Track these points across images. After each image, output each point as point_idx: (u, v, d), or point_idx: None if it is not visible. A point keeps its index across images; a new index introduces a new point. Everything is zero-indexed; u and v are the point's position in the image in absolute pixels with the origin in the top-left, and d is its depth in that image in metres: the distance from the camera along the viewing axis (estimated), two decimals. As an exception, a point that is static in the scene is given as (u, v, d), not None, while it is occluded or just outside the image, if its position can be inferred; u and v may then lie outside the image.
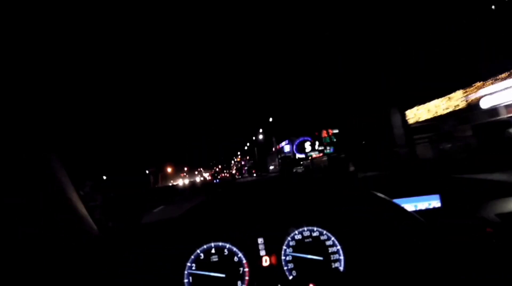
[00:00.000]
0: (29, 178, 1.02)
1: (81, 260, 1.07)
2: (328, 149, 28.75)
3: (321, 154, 28.00)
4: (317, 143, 29.76)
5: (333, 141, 28.61)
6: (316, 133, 30.01)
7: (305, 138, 32.20)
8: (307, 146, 30.98)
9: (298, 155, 33.77)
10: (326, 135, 29.02)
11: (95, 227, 1.20)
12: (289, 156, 37.67)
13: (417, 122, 17.24)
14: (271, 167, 47.64)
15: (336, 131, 28.54)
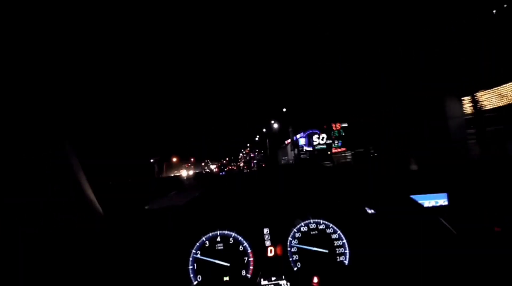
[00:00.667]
0: (42, 163, 1.05)
1: (88, 241, 1.09)
2: (337, 143, 28.24)
3: (343, 148, 27.04)
4: (325, 136, 29.18)
5: (342, 135, 28.10)
6: (325, 127, 29.36)
7: (313, 131, 31.30)
8: (315, 139, 30.33)
9: (305, 148, 32.92)
10: (334, 129, 28.39)
11: (100, 210, 1.22)
12: (311, 150, 35.34)
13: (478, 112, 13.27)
14: (283, 161, 44.43)
15: (345, 125, 27.95)
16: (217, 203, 1.30)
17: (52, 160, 1.08)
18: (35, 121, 1.06)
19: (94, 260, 1.07)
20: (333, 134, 28.11)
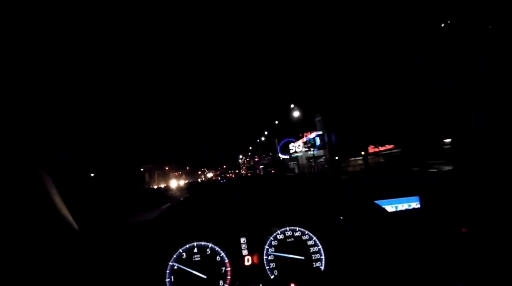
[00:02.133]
0: (13, 180, 1.01)
1: (62, 256, 1.06)
2: (313, 150, 28.69)
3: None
4: (301, 144, 29.59)
5: (315, 143, 28.86)
6: (300, 134, 29.81)
7: (289, 139, 31.50)
8: (291, 147, 30.60)
9: (281, 156, 32.80)
10: (310, 137, 28.90)
11: (75, 224, 1.18)
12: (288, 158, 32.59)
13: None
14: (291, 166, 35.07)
15: (320, 132, 28.53)
16: (193, 214, 1.29)
17: (21, 176, 1.04)
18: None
19: (70, 275, 1.05)
20: (309, 142, 28.61)
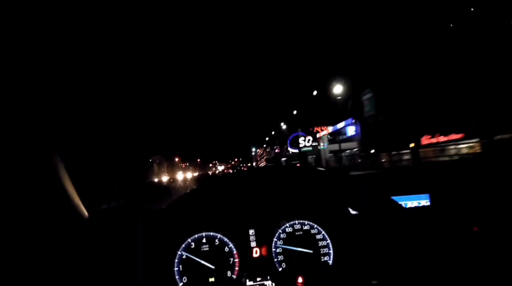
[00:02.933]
0: (25, 168, 1.03)
1: (72, 243, 1.07)
2: (322, 145, 28.27)
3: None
4: (311, 138, 29.03)
5: (328, 137, 28.32)
6: (310, 129, 29.28)
7: (299, 133, 30.70)
8: (301, 141, 30.07)
9: (290, 150, 32.16)
10: (320, 131, 28.43)
11: (85, 212, 1.20)
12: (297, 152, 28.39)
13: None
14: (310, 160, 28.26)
15: (330, 127, 27.94)
16: (203, 205, 1.30)
17: (34, 164, 1.06)
18: (16, 123, 1.04)
19: (79, 263, 1.06)
20: (320, 137, 28.20)
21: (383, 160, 18.51)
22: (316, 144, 28.02)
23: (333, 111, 26.28)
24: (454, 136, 15.02)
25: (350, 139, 25.21)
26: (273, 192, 1.35)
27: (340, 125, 25.12)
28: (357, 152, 23.66)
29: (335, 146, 26.93)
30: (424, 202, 1.73)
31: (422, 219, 1.26)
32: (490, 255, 1.10)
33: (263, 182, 1.41)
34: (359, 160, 21.70)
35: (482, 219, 1.43)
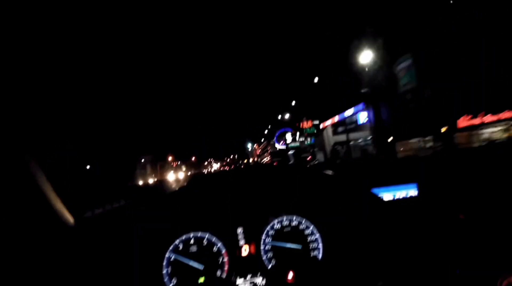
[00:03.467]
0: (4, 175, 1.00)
1: (58, 251, 1.05)
2: (310, 140, 28.24)
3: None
4: (298, 133, 28.86)
5: (314, 132, 28.14)
6: (297, 124, 29.11)
7: (286, 129, 30.32)
8: (288, 136, 29.86)
9: (278, 146, 31.80)
10: (306, 126, 28.19)
11: (71, 218, 1.17)
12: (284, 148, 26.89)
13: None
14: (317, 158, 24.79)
15: (316, 122, 27.79)
16: (190, 204, 1.28)
17: (11, 170, 1.02)
18: None
19: (66, 269, 1.03)
20: (305, 131, 27.96)
21: (403, 149, 15.43)
22: (303, 139, 27.67)
23: (341, 97, 22.07)
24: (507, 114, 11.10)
25: (359, 128, 22.41)
26: (259, 189, 1.34)
27: (349, 112, 21.67)
28: (368, 142, 20.72)
29: (340, 137, 24.41)
30: (412, 192, 1.75)
31: (410, 209, 1.27)
32: (476, 241, 1.11)
33: (250, 180, 1.39)
34: (373, 150, 17.77)
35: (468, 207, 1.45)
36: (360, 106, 19.94)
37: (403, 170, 1.86)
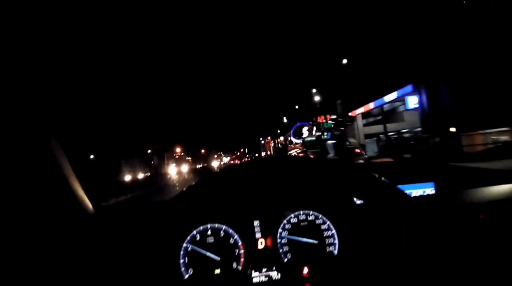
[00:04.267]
0: (27, 160, 1.02)
1: (77, 239, 1.08)
2: (326, 135, 27.80)
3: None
4: (314, 128, 28.45)
5: (331, 127, 27.66)
6: (314, 119, 28.71)
7: (303, 123, 29.75)
8: (305, 131, 29.44)
9: (294, 140, 31.33)
10: (324, 121, 27.71)
11: (91, 207, 1.21)
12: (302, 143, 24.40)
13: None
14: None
15: (334, 116, 27.23)
16: (208, 196, 1.30)
17: (38, 156, 1.05)
18: (16, 117, 1.03)
19: (85, 256, 1.06)
20: (323, 126, 27.53)
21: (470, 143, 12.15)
22: (320, 134, 26.95)
23: (380, 79, 17.93)
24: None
25: (396, 117, 18.86)
26: (277, 183, 1.35)
27: (391, 96, 17.41)
28: (418, 135, 16.96)
29: (372, 129, 21.40)
30: (429, 190, 1.72)
31: (427, 207, 1.26)
32: (496, 242, 1.09)
33: (267, 173, 1.40)
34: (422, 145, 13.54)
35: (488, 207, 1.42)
36: (408, 87, 15.74)
37: (418, 169, 1.83)
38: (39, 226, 1.01)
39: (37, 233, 1.00)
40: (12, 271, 0.93)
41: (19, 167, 1.01)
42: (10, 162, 0.99)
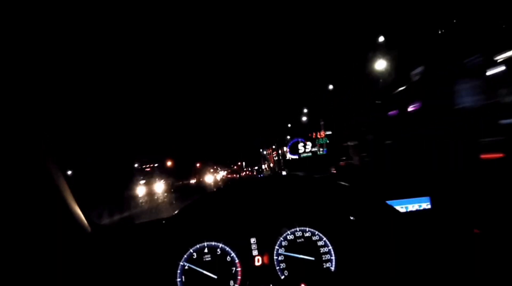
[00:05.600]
0: (24, 178, 1.02)
1: (74, 258, 1.07)
2: (322, 151, 27.97)
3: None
4: (309, 144, 28.65)
5: (327, 142, 27.85)
6: (310, 135, 28.95)
7: (298, 139, 30.05)
8: (300, 147, 29.63)
9: (291, 156, 31.52)
10: (319, 136, 27.94)
11: (88, 226, 1.20)
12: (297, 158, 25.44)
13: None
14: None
15: (329, 132, 27.53)
16: (204, 214, 1.30)
17: (35, 175, 1.05)
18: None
19: (83, 276, 1.06)
20: (318, 142, 27.75)
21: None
22: (316, 149, 27.13)
23: None
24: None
25: None
26: (273, 200, 1.36)
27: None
28: None
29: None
30: (425, 205, 1.73)
31: (423, 222, 1.27)
32: (492, 257, 1.10)
33: (262, 190, 1.41)
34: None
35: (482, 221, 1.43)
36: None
37: (414, 183, 1.84)
38: (36, 245, 1.00)
39: (34, 252, 0.99)
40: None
41: (17, 185, 1.00)
42: (7, 180, 0.99)
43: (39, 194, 1.05)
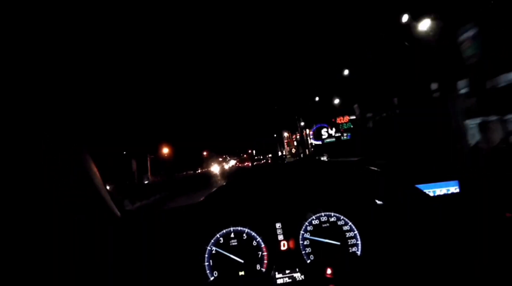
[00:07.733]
0: (58, 166, 1.07)
1: (105, 241, 1.13)
2: (346, 136, 27.27)
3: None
4: (334, 129, 27.91)
5: (350, 128, 27.05)
6: (333, 120, 28.14)
7: (322, 125, 29.25)
8: (324, 132, 28.94)
9: (314, 142, 30.77)
10: (342, 121, 27.10)
11: (117, 211, 1.26)
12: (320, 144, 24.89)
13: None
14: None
15: (353, 117, 26.62)
16: (230, 200, 1.33)
17: (67, 160, 1.10)
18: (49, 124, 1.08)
19: (112, 260, 1.11)
20: (342, 127, 26.99)
21: None
22: (339, 135, 26.28)
23: None
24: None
25: None
26: (298, 185, 1.36)
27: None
28: None
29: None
30: (453, 189, 1.69)
31: (452, 206, 1.24)
32: None
33: (288, 176, 1.42)
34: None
35: None
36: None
37: (442, 167, 1.79)
38: (67, 231, 1.05)
39: (65, 238, 1.04)
40: (38, 275, 0.97)
41: (50, 175, 1.06)
42: (41, 170, 1.04)
43: (74, 184, 1.10)
